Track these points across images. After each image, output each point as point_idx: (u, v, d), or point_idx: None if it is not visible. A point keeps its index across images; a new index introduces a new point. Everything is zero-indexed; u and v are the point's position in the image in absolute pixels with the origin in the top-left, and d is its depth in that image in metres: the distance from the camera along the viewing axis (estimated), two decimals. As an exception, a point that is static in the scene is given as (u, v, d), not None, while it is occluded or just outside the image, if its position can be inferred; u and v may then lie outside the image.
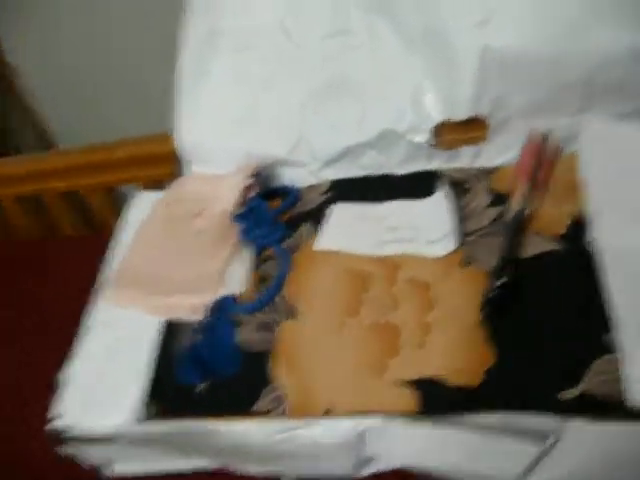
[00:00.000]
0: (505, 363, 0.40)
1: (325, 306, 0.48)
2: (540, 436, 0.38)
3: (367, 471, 0.47)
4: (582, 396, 0.37)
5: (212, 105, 0.63)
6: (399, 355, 0.43)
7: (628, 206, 0.44)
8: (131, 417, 0.46)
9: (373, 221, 0.54)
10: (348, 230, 0.54)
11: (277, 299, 0.50)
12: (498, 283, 0.42)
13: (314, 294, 0.50)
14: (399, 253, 0.50)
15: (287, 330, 0.48)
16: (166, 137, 0.68)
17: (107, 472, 0.54)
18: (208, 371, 0.47)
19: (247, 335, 0.49)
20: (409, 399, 0.41)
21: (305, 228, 0.56)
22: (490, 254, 0.46)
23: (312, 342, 0.46)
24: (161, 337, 0.51)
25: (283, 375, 0.45)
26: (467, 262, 0.46)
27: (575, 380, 0.37)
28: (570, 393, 0.37)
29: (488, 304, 0.42)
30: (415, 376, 0.41)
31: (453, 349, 0.42)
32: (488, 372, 0.40)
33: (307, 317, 0.48)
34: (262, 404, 0.43)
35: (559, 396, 0.37)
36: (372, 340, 0.45)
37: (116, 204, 0.93)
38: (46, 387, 0.51)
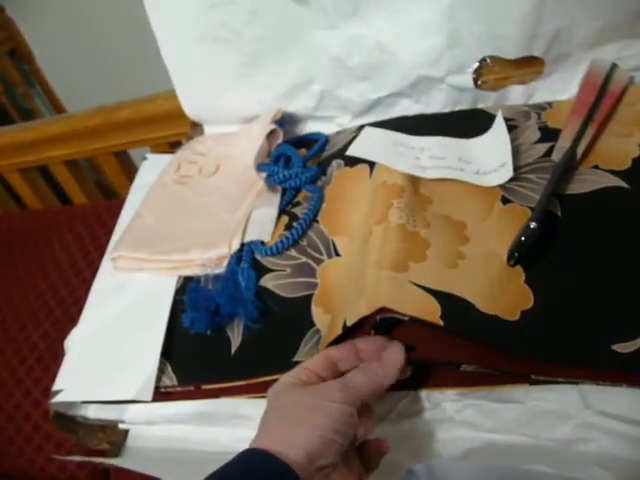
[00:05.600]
0: (545, 308, 0.33)
1: (358, 224, 0.42)
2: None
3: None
4: None
5: (207, 64, 0.56)
6: (425, 262, 0.35)
7: None
8: (147, 392, 0.40)
9: (411, 149, 0.46)
10: (382, 147, 0.47)
11: (315, 237, 0.44)
12: (531, 226, 0.35)
13: (349, 219, 0.44)
14: (442, 177, 0.42)
15: (330, 267, 0.42)
16: (170, 95, 0.63)
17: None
18: (221, 317, 0.41)
19: (284, 280, 0.43)
20: (431, 306, 0.33)
21: (336, 162, 0.49)
22: (536, 192, 0.39)
23: (348, 269, 0.40)
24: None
25: (321, 314, 0.39)
26: (509, 200, 0.40)
27: (632, 334, 0.30)
28: (627, 347, 0.30)
29: (517, 249, 0.35)
30: (439, 287, 0.34)
31: (486, 280, 0.35)
32: (525, 313, 0.33)
33: (346, 247, 0.42)
34: (302, 353, 0.38)
35: (614, 348, 0.30)
36: (396, 239, 0.37)
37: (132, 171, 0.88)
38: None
